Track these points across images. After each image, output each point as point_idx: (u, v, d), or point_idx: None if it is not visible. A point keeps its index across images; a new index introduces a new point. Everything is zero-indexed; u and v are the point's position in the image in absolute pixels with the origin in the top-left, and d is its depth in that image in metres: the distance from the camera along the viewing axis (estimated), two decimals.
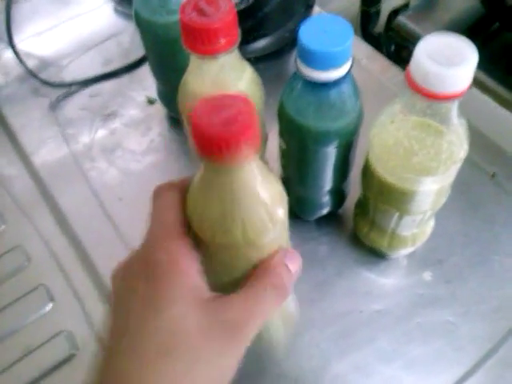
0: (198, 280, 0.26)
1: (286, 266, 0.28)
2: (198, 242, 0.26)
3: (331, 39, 0.30)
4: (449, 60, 0.27)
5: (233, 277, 0.28)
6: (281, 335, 0.37)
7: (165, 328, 0.24)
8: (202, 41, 0.31)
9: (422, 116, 0.31)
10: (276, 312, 0.32)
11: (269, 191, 0.25)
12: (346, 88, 0.34)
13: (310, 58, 0.31)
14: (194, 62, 0.35)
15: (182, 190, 0.27)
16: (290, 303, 0.36)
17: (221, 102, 0.22)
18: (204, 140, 0.21)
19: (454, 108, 0.30)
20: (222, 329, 0.25)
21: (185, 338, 0.24)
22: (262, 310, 0.26)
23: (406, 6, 0.74)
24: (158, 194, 0.28)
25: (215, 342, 0.24)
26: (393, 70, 0.58)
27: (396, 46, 0.64)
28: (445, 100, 0.29)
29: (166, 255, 0.25)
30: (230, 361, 0.25)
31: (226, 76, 0.35)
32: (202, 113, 0.22)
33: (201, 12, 0.30)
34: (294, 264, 0.28)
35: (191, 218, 0.26)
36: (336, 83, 0.32)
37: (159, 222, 0.27)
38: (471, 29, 0.60)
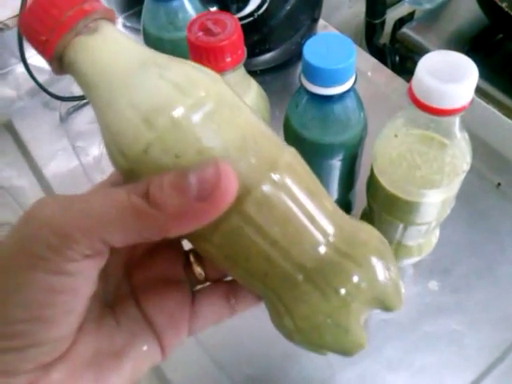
0: None
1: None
2: None
3: (334, 57, 0.31)
4: (450, 76, 0.28)
5: None
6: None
7: None
8: (209, 59, 0.32)
9: (425, 129, 0.32)
10: None
11: None
12: (349, 102, 0.34)
13: (313, 75, 0.31)
14: None
15: None
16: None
17: None
18: None
19: (456, 122, 0.31)
20: None
21: None
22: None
23: (411, 15, 0.75)
24: None
25: None
26: (397, 81, 0.59)
27: (400, 57, 0.64)
28: (446, 115, 0.29)
29: None
30: None
31: None
32: None
33: (207, 31, 0.31)
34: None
35: None
36: (339, 98, 0.33)
37: None
38: (475, 39, 0.60)
